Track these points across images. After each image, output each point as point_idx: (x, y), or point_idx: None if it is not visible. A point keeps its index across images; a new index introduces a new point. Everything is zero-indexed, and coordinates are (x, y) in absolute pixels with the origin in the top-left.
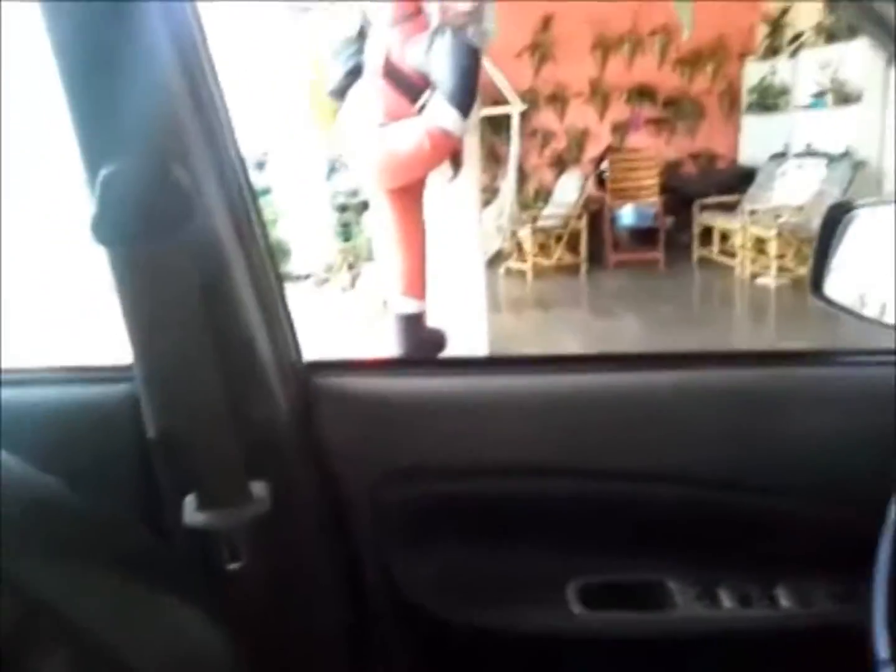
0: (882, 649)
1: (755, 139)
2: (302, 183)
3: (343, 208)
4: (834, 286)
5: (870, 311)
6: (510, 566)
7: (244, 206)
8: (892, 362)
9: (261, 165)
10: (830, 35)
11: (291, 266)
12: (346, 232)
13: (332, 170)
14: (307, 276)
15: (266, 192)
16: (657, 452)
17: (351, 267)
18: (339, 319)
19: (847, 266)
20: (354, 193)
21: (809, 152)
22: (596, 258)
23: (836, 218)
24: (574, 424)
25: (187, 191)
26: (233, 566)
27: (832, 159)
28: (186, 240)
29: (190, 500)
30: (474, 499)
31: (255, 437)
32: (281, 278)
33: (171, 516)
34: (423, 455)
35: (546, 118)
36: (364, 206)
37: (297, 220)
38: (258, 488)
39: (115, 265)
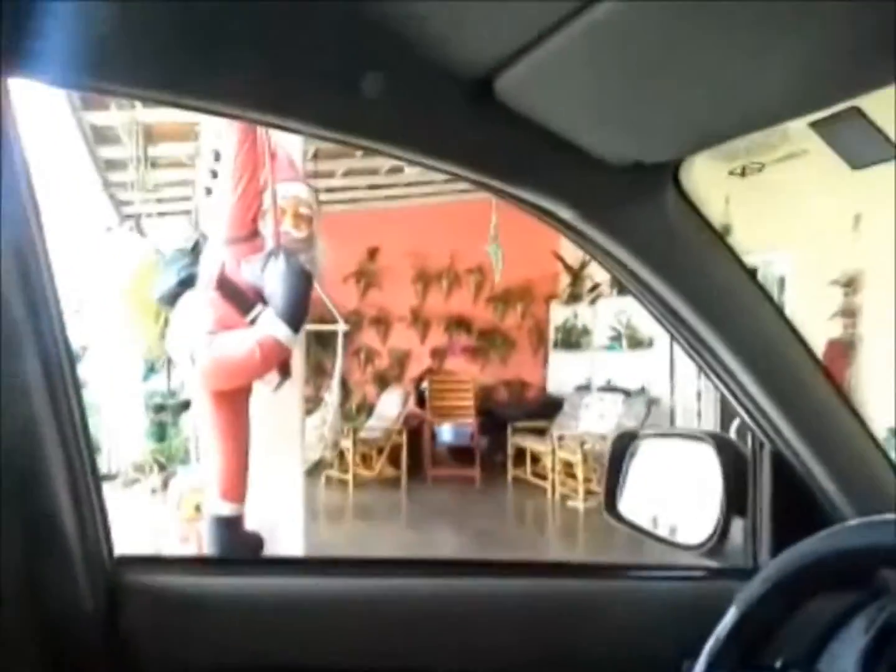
0: None
1: (561, 371)
2: (116, 381)
3: (160, 408)
4: (628, 506)
5: (662, 531)
6: None
7: (68, 401)
8: (679, 577)
9: (77, 358)
10: (622, 288)
11: (100, 464)
12: (161, 432)
13: (151, 370)
14: (115, 476)
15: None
16: (463, 656)
17: (163, 468)
18: (146, 521)
19: (638, 488)
20: (173, 394)
21: (609, 387)
22: (416, 472)
23: (622, 445)
24: (385, 627)
25: (9, 381)
26: None
27: (629, 394)
28: (2, 426)
29: None
30: None
31: (54, 625)
32: (97, 469)
33: None
34: (225, 658)
35: (370, 338)
36: (183, 406)
37: (109, 417)
38: None
39: None
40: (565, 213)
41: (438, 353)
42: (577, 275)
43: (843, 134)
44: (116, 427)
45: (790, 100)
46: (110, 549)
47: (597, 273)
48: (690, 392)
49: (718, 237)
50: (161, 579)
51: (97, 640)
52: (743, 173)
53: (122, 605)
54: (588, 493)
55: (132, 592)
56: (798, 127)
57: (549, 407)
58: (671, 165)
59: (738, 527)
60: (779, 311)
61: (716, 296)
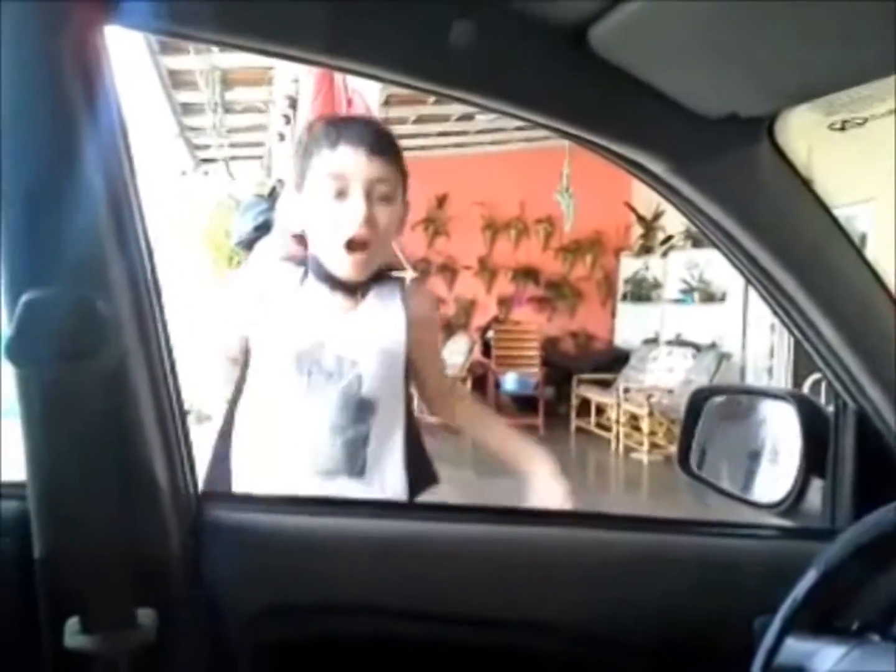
0: None
1: (629, 324)
2: (190, 321)
3: None
4: (702, 462)
5: (736, 489)
6: None
7: (157, 341)
8: (754, 535)
9: None
10: (696, 241)
11: None
12: None
13: None
14: (188, 412)
15: None
16: (526, 605)
17: None
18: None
19: (714, 445)
20: None
21: (679, 341)
22: None
23: (700, 401)
24: (457, 572)
25: (104, 321)
26: None
27: (699, 349)
28: (98, 366)
29: (72, 623)
30: (352, 640)
31: (144, 563)
32: (184, 410)
33: (48, 641)
34: (303, 594)
35: (437, 286)
36: None
37: (183, 353)
38: (145, 616)
39: (22, 384)
40: (656, 166)
41: (505, 303)
42: (649, 226)
43: None
44: (191, 363)
45: (893, 54)
46: (195, 486)
47: (670, 225)
48: (763, 348)
49: (812, 193)
50: (241, 516)
51: (183, 577)
52: (843, 128)
53: (206, 542)
54: (653, 445)
55: (214, 527)
56: None
57: (616, 360)
58: (767, 119)
59: (815, 488)
60: (871, 268)
61: (806, 251)
